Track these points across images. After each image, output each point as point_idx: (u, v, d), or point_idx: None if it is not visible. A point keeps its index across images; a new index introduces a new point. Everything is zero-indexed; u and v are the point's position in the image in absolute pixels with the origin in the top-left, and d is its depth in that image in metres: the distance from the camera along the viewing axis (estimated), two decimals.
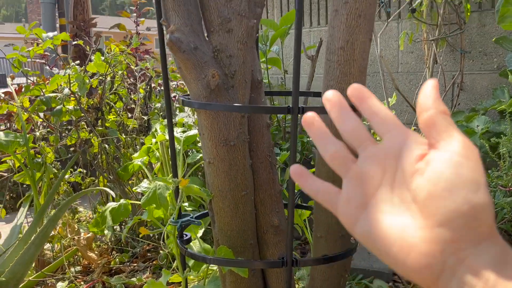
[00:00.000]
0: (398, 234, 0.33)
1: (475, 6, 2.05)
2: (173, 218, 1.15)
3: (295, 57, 0.89)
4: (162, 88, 2.65)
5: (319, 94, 1.15)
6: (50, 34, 1.66)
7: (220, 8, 1.06)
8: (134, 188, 1.64)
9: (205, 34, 1.09)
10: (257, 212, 1.16)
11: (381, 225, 0.34)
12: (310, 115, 0.42)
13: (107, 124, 2.02)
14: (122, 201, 1.52)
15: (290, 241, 0.98)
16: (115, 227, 2.08)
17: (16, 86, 2.14)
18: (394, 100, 2.25)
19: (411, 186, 0.33)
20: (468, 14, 1.95)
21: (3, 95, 2.71)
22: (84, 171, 2.23)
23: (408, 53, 2.33)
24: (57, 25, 5.07)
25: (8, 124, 2.35)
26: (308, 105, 1.17)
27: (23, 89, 1.82)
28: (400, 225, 0.33)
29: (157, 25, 1.05)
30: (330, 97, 0.41)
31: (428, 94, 0.34)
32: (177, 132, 1.97)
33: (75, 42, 4.39)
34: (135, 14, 4.07)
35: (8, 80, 2.00)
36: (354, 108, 0.40)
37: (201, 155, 1.91)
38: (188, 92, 1.09)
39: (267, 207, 1.16)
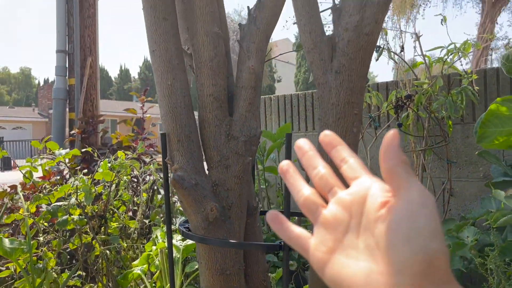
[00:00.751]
0: (363, 279, 0.34)
1: (457, 119, 2.22)
2: None
3: (285, 198, 0.99)
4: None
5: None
6: (63, 151, 1.80)
7: (220, 147, 1.18)
8: None
9: (206, 169, 1.20)
10: None
11: (347, 270, 0.36)
12: (286, 163, 0.45)
13: (110, 231, 2.08)
14: None
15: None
16: None
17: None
18: None
19: (375, 232, 0.35)
20: (450, 129, 2.10)
21: (8, 189, 2.81)
22: (84, 274, 2.25)
23: None
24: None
25: (11, 229, 2.41)
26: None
27: (31, 198, 1.91)
28: (365, 271, 0.35)
29: (162, 162, 1.17)
30: (301, 145, 0.44)
31: (389, 145, 0.36)
32: (177, 240, 2.04)
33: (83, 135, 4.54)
34: (141, 111, 4.30)
35: (19, 187, 2.10)
36: None
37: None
38: (188, 222, 1.18)
39: None
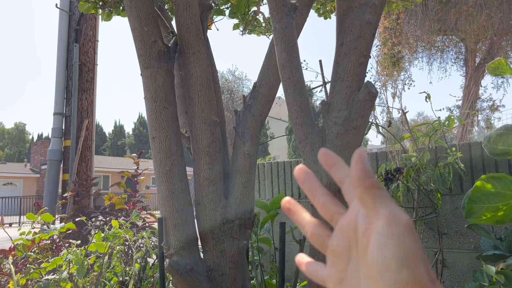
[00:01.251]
0: None
1: (446, 191, 2.27)
2: None
3: (279, 269, 1.01)
4: (157, 261, 2.72)
5: None
6: (58, 226, 1.81)
7: (215, 230, 1.21)
8: None
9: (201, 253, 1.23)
10: None
11: None
12: (286, 200, 0.44)
13: None
14: None
15: None
16: None
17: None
18: None
19: (365, 261, 0.35)
20: (439, 202, 2.15)
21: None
22: None
23: None
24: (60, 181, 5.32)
25: None
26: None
27: (23, 271, 1.89)
28: None
29: (158, 248, 1.19)
30: (299, 174, 0.43)
31: (355, 169, 0.35)
32: None
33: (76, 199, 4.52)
34: (136, 173, 4.31)
35: (10, 258, 2.08)
36: None
37: None
38: None
39: None
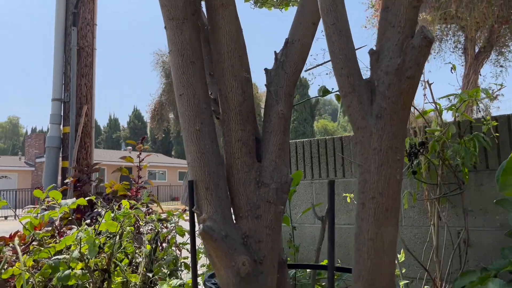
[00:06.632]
0: None
1: (470, 167, 2.19)
2: None
3: (329, 255, 0.92)
4: (167, 243, 2.62)
5: (350, 270, 1.15)
6: (69, 201, 1.70)
7: (249, 195, 1.11)
8: None
9: (233, 218, 1.12)
10: None
11: None
12: None
13: (113, 286, 1.95)
14: None
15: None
16: None
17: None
18: (402, 257, 2.24)
19: None
20: (467, 177, 2.06)
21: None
22: None
23: (411, 208, 2.40)
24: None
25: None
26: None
27: (31, 251, 1.79)
28: None
29: (189, 213, 1.09)
30: None
31: None
32: None
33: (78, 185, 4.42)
34: (138, 159, 4.21)
35: (16, 239, 1.97)
36: None
37: None
38: (217, 277, 1.09)
39: None
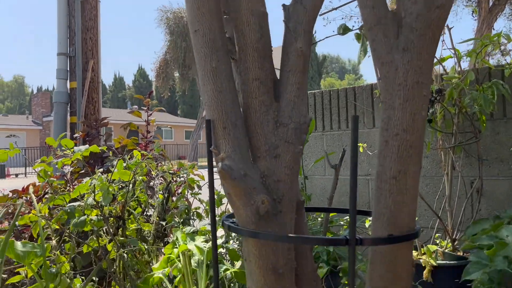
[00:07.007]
0: None
1: (487, 115, 2.14)
2: None
3: (351, 191, 0.90)
4: (179, 192, 2.65)
5: (369, 213, 1.14)
6: (82, 147, 1.69)
7: (267, 135, 1.09)
8: None
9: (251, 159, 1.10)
10: None
11: None
12: None
13: (127, 233, 1.98)
14: None
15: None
16: None
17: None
18: None
19: None
20: (484, 125, 2.02)
21: (10, 194, 2.68)
22: (97, 279, 2.13)
23: (424, 158, 2.38)
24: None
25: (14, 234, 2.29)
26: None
27: (45, 195, 1.80)
28: None
29: (207, 151, 1.07)
30: None
31: None
32: (199, 241, 1.93)
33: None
34: (146, 113, 4.18)
35: (30, 187, 1.99)
36: None
37: (225, 267, 1.85)
38: (235, 217, 1.08)
39: None
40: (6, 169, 19.37)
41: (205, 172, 1.90)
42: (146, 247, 2.10)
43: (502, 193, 2.17)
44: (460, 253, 2.07)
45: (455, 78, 2.03)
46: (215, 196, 2.38)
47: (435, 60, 2.13)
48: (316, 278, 1.14)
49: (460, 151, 2.16)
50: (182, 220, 2.25)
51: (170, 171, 2.68)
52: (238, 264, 1.96)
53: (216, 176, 1.09)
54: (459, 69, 2.07)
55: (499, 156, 2.16)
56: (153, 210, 2.44)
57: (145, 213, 2.46)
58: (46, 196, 2.12)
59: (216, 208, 2.55)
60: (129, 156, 2.23)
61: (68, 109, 5.27)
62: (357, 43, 2.21)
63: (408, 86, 0.94)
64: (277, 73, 1.20)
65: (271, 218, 1.03)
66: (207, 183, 1.17)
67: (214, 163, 1.06)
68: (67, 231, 1.83)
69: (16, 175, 19.73)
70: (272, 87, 1.13)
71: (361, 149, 2.43)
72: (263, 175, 1.07)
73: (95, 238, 1.89)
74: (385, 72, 0.97)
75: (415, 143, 0.95)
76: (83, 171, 3.76)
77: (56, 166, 1.81)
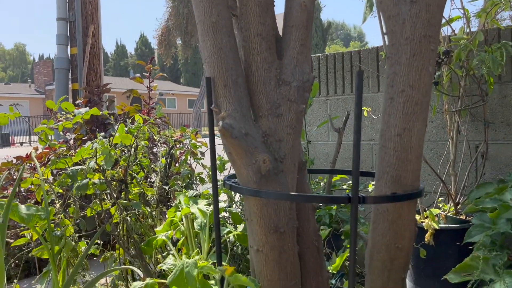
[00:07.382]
0: None
1: (495, 78, 2.09)
2: None
3: (355, 147, 0.88)
4: (183, 157, 2.64)
5: (372, 174, 1.13)
6: (82, 110, 1.67)
7: (269, 93, 1.06)
8: (159, 266, 1.57)
9: (253, 119, 1.08)
10: None
11: None
12: None
13: (130, 197, 1.98)
14: (148, 280, 1.45)
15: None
16: None
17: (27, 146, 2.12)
18: None
19: None
20: (491, 87, 1.97)
21: (14, 160, 2.69)
22: (101, 242, 2.16)
23: (428, 122, 2.35)
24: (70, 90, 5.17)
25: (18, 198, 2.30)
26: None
27: (48, 162, 1.80)
28: None
29: (207, 111, 1.05)
30: None
31: None
32: (202, 204, 1.93)
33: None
34: (147, 80, 4.13)
35: (33, 152, 1.98)
36: None
37: (227, 229, 1.86)
38: (237, 177, 1.07)
39: None
40: (11, 137, 19.49)
41: (208, 141, 1.88)
42: (149, 210, 2.11)
43: (508, 157, 2.14)
44: (463, 217, 2.07)
45: (463, 39, 1.97)
46: (218, 162, 2.37)
47: (443, 20, 2.06)
48: (318, 238, 1.14)
49: (466, 114, 2.12)
50: (185, 184, 2.25)
51: (172, 137, 2.67)
52: (240, 227, 1.97)
53: (218, 140, 1.07)
54: (468, 30, 2.00)
55: (505, 119, 2.12)
56: (156, 176, 2.44)
57: (148, 179, 2.47)
58: (50, 162, 2.12)
59: (219, 174, 2.55)
60: (130, 121, 2.21)
61: (70, 76, 5.22)
62: (362, 7, 2.13)
63: (415, 40, 0.90)
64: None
65: (272, 178, 1.02)
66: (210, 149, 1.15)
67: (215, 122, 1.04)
68: (71, 194, 1.83)
69: (21, 143, 19.86)
70: (274, 44, 1.10)
71: (365, 113, 2.40)
72: (264, 134, 1.05)
73: (98, 202, 1.90)
74: (392, 26, 0.93)
75: (421, 100, 0.92)
76: (85, 138, 3.75)
77: (58, 130, 1.79)
